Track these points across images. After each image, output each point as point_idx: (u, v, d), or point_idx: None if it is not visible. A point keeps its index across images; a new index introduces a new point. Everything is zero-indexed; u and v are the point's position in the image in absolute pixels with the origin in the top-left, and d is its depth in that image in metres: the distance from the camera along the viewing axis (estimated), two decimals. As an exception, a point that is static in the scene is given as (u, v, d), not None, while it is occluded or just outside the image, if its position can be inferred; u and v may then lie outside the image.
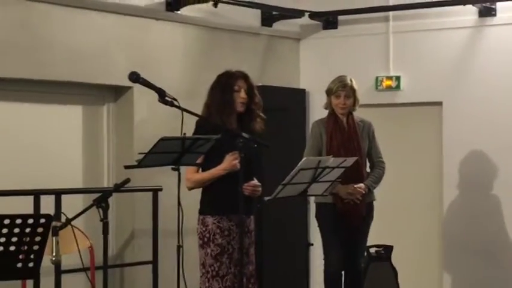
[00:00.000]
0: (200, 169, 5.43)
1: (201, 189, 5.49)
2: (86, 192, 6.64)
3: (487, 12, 7.73)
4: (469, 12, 7.81)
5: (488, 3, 7.66)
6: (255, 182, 5.42)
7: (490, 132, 7.70)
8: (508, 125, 7.63)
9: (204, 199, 5.49)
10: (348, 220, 6.39)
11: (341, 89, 6.44)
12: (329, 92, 6.51)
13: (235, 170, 5.24)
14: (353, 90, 6.46)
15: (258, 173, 5.61)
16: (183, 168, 5.19)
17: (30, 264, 4.02)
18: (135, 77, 4.91)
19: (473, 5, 7.65)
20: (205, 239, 5.38)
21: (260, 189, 5.45)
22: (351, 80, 6.48)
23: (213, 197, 5.41)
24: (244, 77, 5.54)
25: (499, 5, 7.68)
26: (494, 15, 7.73)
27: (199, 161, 5.30)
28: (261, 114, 5.56)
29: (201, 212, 5.46)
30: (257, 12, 8.23)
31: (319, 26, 8.61)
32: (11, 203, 5.81)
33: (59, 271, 6.19)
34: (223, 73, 5.57)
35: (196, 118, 5.30)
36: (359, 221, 6.43)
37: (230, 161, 5.29)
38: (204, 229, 5.39)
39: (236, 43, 8.01)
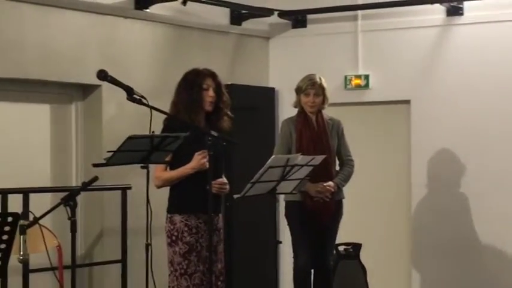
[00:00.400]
0: (168, 167, 5.42)
1: (169, 187, 5.48)
2: (54, 191, 6.59)
3: (455, 11, 7.78)
4: (437, 11, 7.86)
5: (455, 3, 7.71)
6: (222, 179, 5.42)
7: (458, 131, 7.76)
8: (475, 123, 7.69)
9: (172, 198, 5.48)
10: (317, 218, 6.40)
11: (310, 87, 6.46)
12: (298, 90, 6.53)
13: (204, 168, 5.23)
14: (322, 89, 6.48)
15: (226, 171, 5.61)
16: (151, 167, 5.19)
17: (-3, 263, 3.99)
18: (103, 75, 4.90)
19: (441, 4, 7.70)
20: (174, 237, 5.37)
21: (227, 187, 5.46)
22: (320, 78, 6.51)
23: (181, 196, 5.40)
24: (212, 75, 5.53)
25: (466, 4, 7.73)
26: (462, 14, 7.78)
27: (167, 159, 5.29)
28: (229, 112, 5.56)
29: (169, 210, 5.45)
30: (226, 10, 8.22)
31: (288, 25, 8.62)
32: (-22, 202, 5.77)
33: (26, 270, 6.15)
34: (190, 71, 5.55)
35: (165, 116, 5.28)
36: (328, 219, 6.45)
37: (198, 160, 5.28)
38: (172, 227, 5.38)
39: (205, 41, 8.00)
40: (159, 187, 5.45)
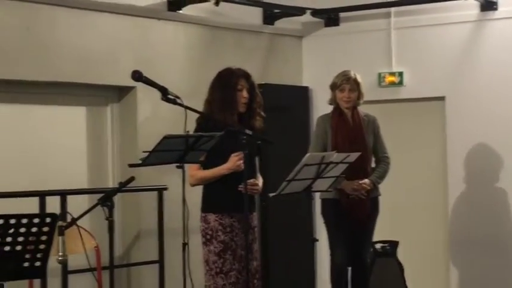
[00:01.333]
0: (202, 166, 5.44)
1: (202, 186, 5.51)
2: (91, 192, 6.64)
3: (489, 6, 7.73)
4: (471, 7, 7.81)
5: (489, -3, 7.68)
6: (254, 180, 5.42)
7: (494, 126, 7.70)
8: (511, 118, 7.62)
9: (205, 197, 5.50)
10: (353, 216, 6.39)
11: (345, 82, 6.45)
12: (333, 87, 6.52)
13: (239, 170, 5.26)
14: (357, 84, 6.47)
15: (262, 170, 5.62)
16: (187, 166, 5.21)
17: (37, 264, 4.04)
18: (137, 76, 4.92)
19: (474, -1, 7.66)
20: (208, 236, 5.39)
21: (258, 187, 5.47)
22: (354, 74, 6.50)
23: (215, 195, 5.43)
24: (246, 75, 5.53)
25: (500, -2, 7.70)
26: (496, 9, 7.73)
27: (202, 158, 5.31)
28: (261, 112, 5.56)
29: (203, 209, 5.48)
30: (259, 10, 8.23)
31: (321, 24, 8.62)
32: (17, 204, 5.81)
33: (65, 271, 6.21)
34: (224, 70, 5.56)
35: (198, 115, 5.30)
36: (364, 216, 6.43)
37: (235, 161, 5.30)
38: (206, 226, 5.41)
39: (238, 42, 8.02)
40: (193, 185, 5.47)
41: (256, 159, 5.59)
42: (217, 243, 5.37)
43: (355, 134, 6.42)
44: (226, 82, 5.46)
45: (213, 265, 5.36)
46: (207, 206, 5.46)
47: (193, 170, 5.43)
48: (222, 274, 5.34)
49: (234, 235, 5.39)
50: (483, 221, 7.76)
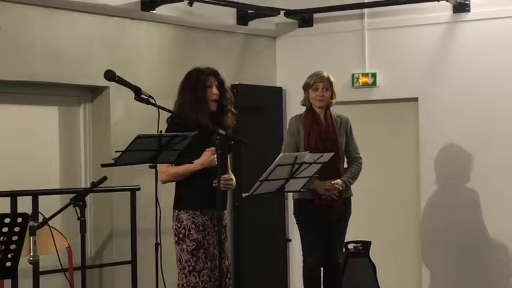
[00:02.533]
0: (173, 165, 5.43)
1: (175, 185, 5.51)
2: (63, 192, 6.61)
3: (461, 8, 7.77)
4: (443, 8, 7.85)
5: (462, -1, 7.72)
6: (229, 175, 5.45)
7: (465, 127, 7.75)
8: (483, 119, 7.68)
9: (178, 194, 5.51)
10: (326, 216, 6.40)
11: (319, 81, 6.46)
12: (306, 86, 6.53)
13: (213, 165, 5.26)
14: (330, 83, 6.49)
15: (234, 170, 5.64)
16: (159, 166, 5.20)
17: (8, 264, 4.01)
18: (110, 75, 4.91)
19: (447, 1, 7.69)
20: (181, 235, 5.40)
21: (233, 182, 5.50)
22: (327, 74, 6.51)
23: (187, 192, 5.43)
24: (214, 73, 5.57)
25: (472, 0, 7.73)
26: (468, 10, 7.77)
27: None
28: (232, 109, 5.59)
29: (175, 207, 5.48)
30: (233, 10, 8.23)
31: (294, 24, 8.63)
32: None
33: (37, 272, 6.17)
34: (191, 70, 5.59)
35: (169, 115, 5.30)
36: (337, 216, 6.44)
37: (208, 156, 5.31)
38: (179, 225, 5.42)
39: (212, 42, 8.02)
40: (165, 182, 5.47)
41: (228, 157, 5.61)
42: (190, 242, 5.37)
43: (328, 135, 6.43)
44: (195, 81, 5.49)
45: (185, 264, 5.36)
46: (179, 204, 5.47)
47: (164, 167, 5.41)
48: (195, 272, 5.34)
49: (207, 234, 5.41)
50: (455, 221, 7.80)
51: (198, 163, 5.33)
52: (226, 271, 5.46)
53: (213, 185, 5.22)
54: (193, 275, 5.34)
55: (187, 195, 5.42)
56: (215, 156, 5.21)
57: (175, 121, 5.39)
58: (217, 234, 5.18)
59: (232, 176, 5.55)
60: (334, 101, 6.55)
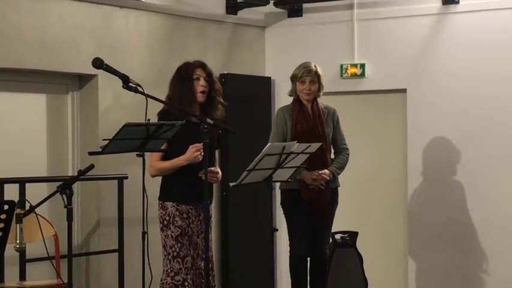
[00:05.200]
0: (163, 156, 5.46)
1: (161, 177, 5.56)
2: (50, 180, 6.58)
3: (450, -1, 7.80)
4: (433, 0, 7.86)
5: (451, -9, 7.73)
6: (214, 168, 5.48)
7: (454, 119, 7.77)
8: (471, 111, 7.70)
9: (164, 186, 5.56)
10: (313, 206, 6.42)
11: (306, 74, 6.46)
12: (294, 78, 6.53)
13: (197, 161, 5.32)
14: (318, 76, 6.49)
15: (222, 160, 5.65)
16: (147, 155, 5.20)
17: (-6, 251, 4.01)
18: (98, 63, 4.90)
19: (436, -8, 7.71)
20: (165, 222, 5.46)
21: (219, 176, 5.55)
22: (315, 66, 6.51)
23: (173, 185, 5.48)
24: (202, 65, 5.63)
25: (462, -8, 7.76)
26: (458, 2, 7.79)
27: (163, 147, 5.33)
28: (222, 100, 5.63)
29: (161, 198, 5.54)
30: (222, 0, 8.22)
31: (284, 14, 8.62)
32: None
33: (23, 260, 6.16)
34: (181, 65, 5.66)
35: (160, 105, 5.30)
36: (324, 207, 6.46)
37: (192, 153, 5.35)
38: (164, 212, 5.48)
39: (201, 31, 8.00)
40: (153, 176, 5.56)
41: (216, 152, 5.64)
42: (174, 228, 5.43)
43: (315, 126, 6.44)
44: (183, 74, 5.56)
45: (170, 249, 5.43)
46: (165, 195, 5.52)
47: (153, 161, 5.50)
48: (179, 258, 5.41)
49: (190, 222, 5.47)
50: (441, 213, 7.83)
51: (182, 159, 5.38)
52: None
53: (199, 175, 5.23)
54: (177, 260, 5.41)
55: (173, 188, 5.48)
56: (199, 152, 5.27)
57: (165, 114, 5.42)
58: (205, 224, 5.17)
59: (219, 170, 5.60)
60: (321, 93, 6.56)
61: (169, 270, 5.42)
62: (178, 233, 5.42)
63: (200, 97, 5.53)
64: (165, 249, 5.46)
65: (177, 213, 5.44)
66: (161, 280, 5.44)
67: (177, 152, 5.40)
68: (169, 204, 5.46)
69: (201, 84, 5.53)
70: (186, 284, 5.38)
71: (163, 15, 7.64)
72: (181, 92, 5.49)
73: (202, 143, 5.14)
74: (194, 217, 5.48)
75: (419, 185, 7.93)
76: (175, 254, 5.41)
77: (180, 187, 5.44)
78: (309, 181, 6.33)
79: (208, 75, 5.59)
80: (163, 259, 5.46)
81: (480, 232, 7.67)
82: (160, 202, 5.51)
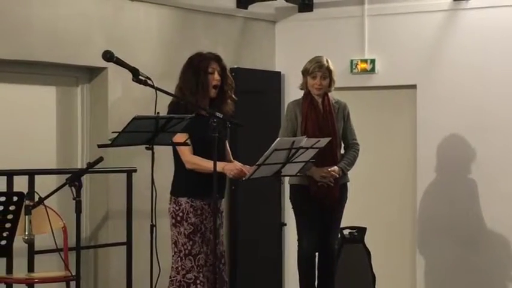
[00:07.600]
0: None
1: (173, 170, 5.50)
2: (60, 173, 6.59)
3: (462, -5, 7.78)
4: (444, -4, 7.86)
5: (462, -13, 7.71)
6: (241, 166, 5.37)
7: (464, 115, 7.75)
8: (482, 107, 7.68)
9: (177, 182, 5.48)
10: (322, 202, 6.41)
11: (317, 69, 6.44)
12: (305, 72, 6.51)
13: (229, 177, 5.31)
14: (329, 71, 6.46)
15: (232, 154, 5.64)
16: (157, 148, 5.19)
17: (3, 243, 4.02)
18: (108, 56, 4.88)
19: (447, -12, 7.69)
20: (178, 218, 5.37)
21: (246, 168, 5.38)
22: (327, 61, 6.48)
23: (187, 182, 5.39)
24: (217, 58, 5.52)
25: (473, -12, 7.73)
26: (468, -1, 7.78)
27: (187, 141, 5.23)
28: (233, 95, 5.56)
29: (174, 193, 5.45)
30: (232, -6, 8.23)
31: (294, 9, 8.61)
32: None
33: (32, 251, 6.18)
34: (194, 55, 5.53)
35: (170, 98, 5.29)
36: (333, 202, 6.45)
37: (232, 169, 5.29)
38: (177, 208, 5.38)
39: (211, 25, 7.99)
40: (191, 170, 5.37)
41: (227, 143, 5.59)
42: (187, 225, 5.35)
43: (325, 120, 6.42)
44: (197, 66, 5.44)
45: (182, 247, 5.35)
46: (179, 191, 5.43)
47: (187, 156, 5.33)
48: (191, 256, 5.33)
49: (204, 218, 5.39)
50: (450, 209, 7.81)
51: (221, 165, 5.24)
52: (220, 256, 5.46)
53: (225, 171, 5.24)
54: (189, 258, 5.32)
55: (187, 184, 5.37)
56: (237, 171, 5.25)
57: (176, 107, 5.34)
58: (213, 219, 5.15)
59: (240, 164, 5.42)
60: (332, 88, 6.53)
61: (179, 268, 5.33)
62: (191, 230, 5.33)
63: (213, 92, 5.46)
64: (176, 246, 5.37)
65: (191, 210, 5.35)
66: (170, 278, 5.37)
67: (196, 148, 5.32)
68: (183, 200, 5.37)
69: (215, 79, 5.44)
70: (198, 282, 5.29)
71: (174, 8, 7.64)
72: (194, 84, 5.39)
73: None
74: (208, 213, 5.37)
75: (430, 182, 7.91)
76: (187, 252, 5.33)
77: (196, 183, 5.35)
78: (318, 178, 6.32)
79: (222, 69, 5.49)
80: (173, 255, 5.39)
81: (490, 228, 7.64)
82: (173, 197, 5.42)
